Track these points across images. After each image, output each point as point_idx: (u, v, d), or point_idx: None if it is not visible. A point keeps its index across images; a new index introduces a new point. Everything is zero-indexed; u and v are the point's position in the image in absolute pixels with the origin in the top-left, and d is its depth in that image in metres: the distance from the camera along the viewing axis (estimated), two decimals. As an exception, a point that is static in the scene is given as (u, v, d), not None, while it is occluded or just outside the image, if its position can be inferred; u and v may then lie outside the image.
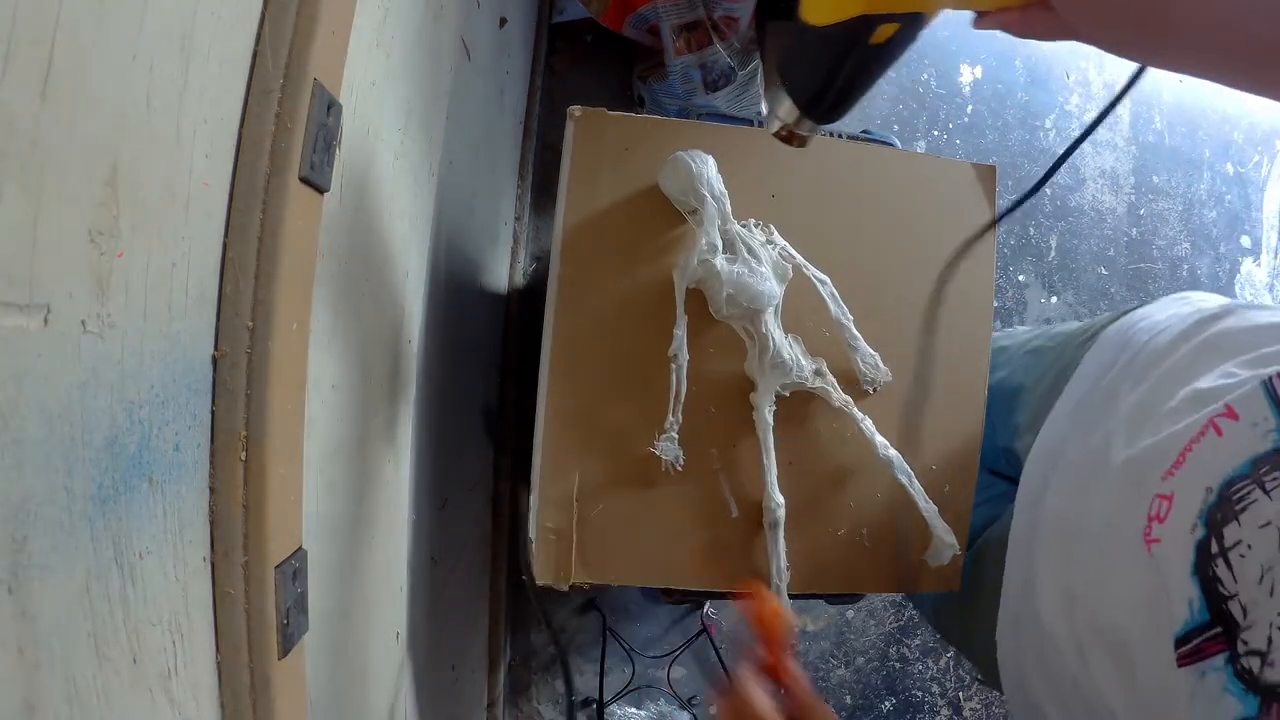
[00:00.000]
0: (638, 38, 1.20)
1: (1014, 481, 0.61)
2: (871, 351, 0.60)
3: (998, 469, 0.73)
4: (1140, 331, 0.56)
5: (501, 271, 1.15)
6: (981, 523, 0.71)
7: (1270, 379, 0.36)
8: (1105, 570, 0.44)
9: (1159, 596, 0.38)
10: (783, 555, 0.57)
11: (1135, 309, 0.62)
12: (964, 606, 0.69)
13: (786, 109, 0.45)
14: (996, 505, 0.72)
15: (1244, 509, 0.34)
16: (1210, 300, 0.55)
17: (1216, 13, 0.33)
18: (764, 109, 1.25)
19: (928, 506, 0.59)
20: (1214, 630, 0.34)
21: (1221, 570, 0.34)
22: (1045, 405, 0.62)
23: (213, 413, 0.36)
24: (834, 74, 0.41)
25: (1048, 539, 0.51)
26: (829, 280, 0.60)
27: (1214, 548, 0.35)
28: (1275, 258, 1.72)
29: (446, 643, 0.87)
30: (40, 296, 0.24)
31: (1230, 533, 0.35)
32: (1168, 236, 1.65)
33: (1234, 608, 0.33)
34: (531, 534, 0.56)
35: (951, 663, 1.44)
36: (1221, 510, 0.35)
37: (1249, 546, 0.33)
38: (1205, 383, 0.43)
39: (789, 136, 0.46)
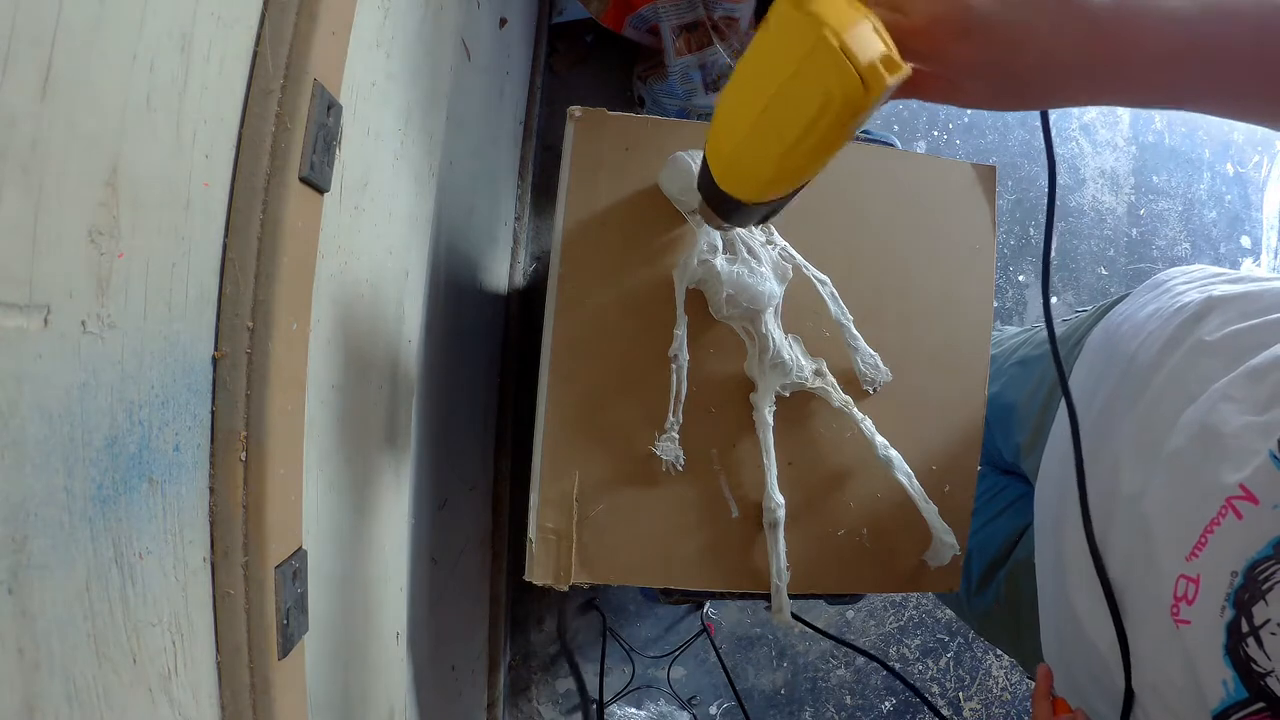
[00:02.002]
0: (638, 38, 1.20)
1: (1032, 484, 0.60)
2: (871, 351, 0.60)
3: (1014, 470, 0.73)
4: (1124, 337, 0.55)
5: (501, 271, 1.15)
6: (1008, 533, 0.71)
7: (1277, 450, 0.37)
8: (1136, 626, 0.44)
9: (1191, 673, 0.39)
10: (783, 555, 0.57)
11: (1116, 304, 0.61)
12: (1008, 621, 0.70)
13: (714, 219, 0.46)
14: (1020, 513, 0.72)
15: (1270, 588, 0.35)
16: (1189, 283, 0.55)
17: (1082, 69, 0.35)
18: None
19: (928, 507, 0.59)
20: (1257, 705, 0.35)
21: (1254, 649, 0.35)
22: (1043, 423, 0.62)
23: (213, 413, 0.36)
24: (763, 214, 0.44)
25: (1076, 571, 0.51)
26: (829, 280, 0.60)
27: (1244, 627, 0.36)
28: (1275, 258, 1.72)
29: (446, 643, 0.87)
30: (40, 296, 0.24)
31: (1259, 611, 0.35)
32: (1168, 236, 1.65)
33: (1273, 683, 0.34)
34: (531, 534, 0.56)
35: (951, 663, 1.44)
36: (1249, 591, 0.36)
37: (1279, 625, 0.34)
38: (1202, 411, 0.43)
39: (722, 228, 0.49)
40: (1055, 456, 0.58)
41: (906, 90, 0.39)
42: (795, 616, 0.60)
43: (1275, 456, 0.37)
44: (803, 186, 0.41)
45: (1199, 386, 0.45)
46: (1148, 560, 0.43)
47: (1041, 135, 0.48)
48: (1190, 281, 0.55)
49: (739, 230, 0.58)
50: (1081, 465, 0.49)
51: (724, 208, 0.44)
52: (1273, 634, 0.35)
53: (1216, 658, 0.37)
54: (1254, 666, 0.35)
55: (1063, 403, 0.59)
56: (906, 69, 0.33)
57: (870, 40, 0.32)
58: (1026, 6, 0.34)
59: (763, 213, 0.44)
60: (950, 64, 0.36)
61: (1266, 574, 0.35)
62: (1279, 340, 0.42)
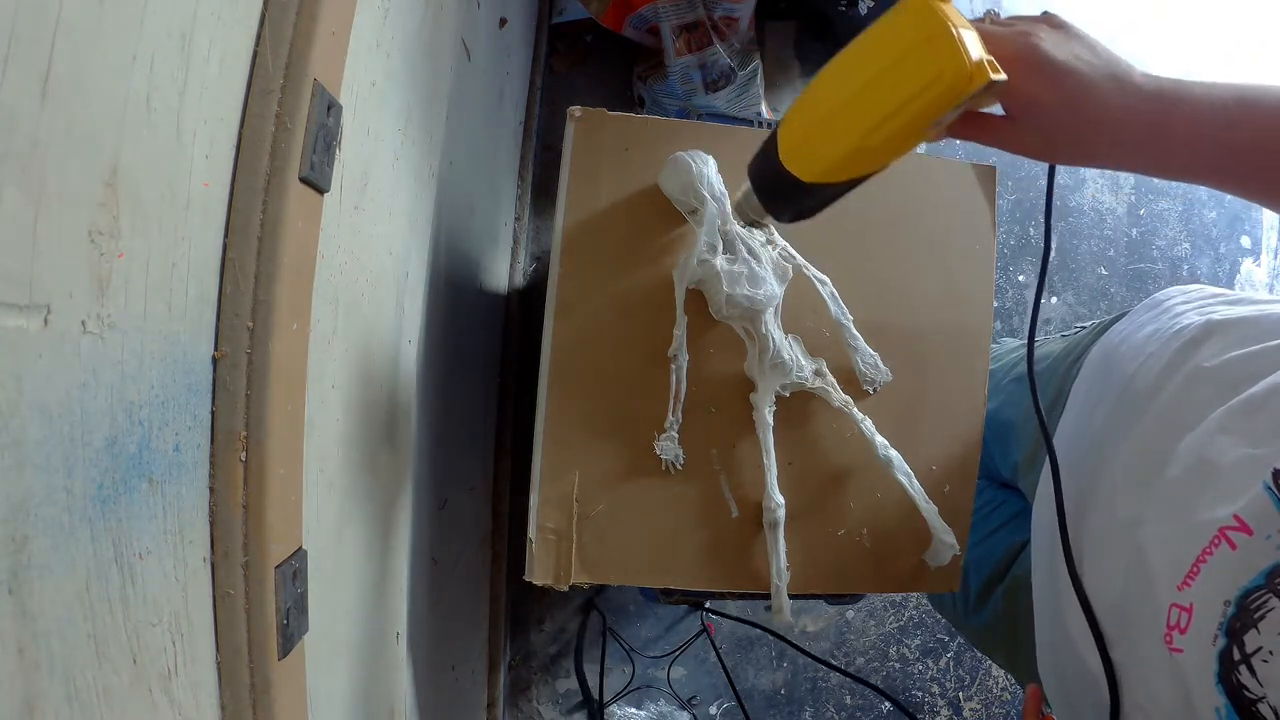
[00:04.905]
0: (638, 38, 1.20)
1: (1029, 501, 0.60)
2: (871, 351, 0.60)
3: (1012, 485, 0.72)
4: (1123, 358, 0.55)
5: (501, 271, 1.15)
6: (1006, 548, 0.71)
7: (1271, 483, 0.37)
8: (1128, 651, 0.45)
9: (1182, 699, 0.39)
10: (782, 555, 0.57)
11: (1115, 321, 0.61)
12: (1005, 637, 0.70)
13: (755, 209, 0.48)
14: (1019, 528, 0.72)
15: (1262, 617, 0.35)
16: (1188, 304, 0.55)
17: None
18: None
19: (928, 506, 0.59)
20: None
21: (1245, 677, 0.36)
22: (1040, 442, 0.62)
23: (213, 413, 0.36)
24: (810, 205, 0.46)
25: (1069, 591, 0.51)
26: (829, 280, 0.60)
27: (1236, 655, 0.36)
28: (1275, 258, 1.72)
29: (446, 643, 0.87)
30: (40, 296, 0.24)
31: (1251, 639, 0.36)
32: (1168, 236, 1.65)
33: (1264, 709, 0.35)
34: (531, 534, 0.56)
35: (951, 663, 1.44)
36: (1240, 619, 0.36)
37: (1271, 653, 0.35)
38: (1200, 442, 0.43)
39: (753, 223, 0.51)
40: (1050, 488, 0.58)
41: (970, 130, 0.43)
42: (776, 635, 0.60)
43: (1269, 488, 0.37)
44: (856, 184, 0.43)
45: (1196, 415, 0.45)
46: (1141, 587, 0.43)
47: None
48: (1189, 302, 0.55)
49: (739, 230, 0.58)
50: (1062, 504, 0.50)
51: (773, 189, 0.45)
52: (1265, 661, 0.35)
53: (1209, 685, 0.37)
54: (1246, 693, 0.35)
55: (1061, 421, 0.59)
56: (1003, 75, 0.38)
57: (979, 44, 0.38)
58: (1089, 65, 0.39)
59: (809, 204, 0.45)
60: (1019, 98, 0.40)
61: (1259, 603, 0.36)
62: (1277, 368, 0.42)
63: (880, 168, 0.42)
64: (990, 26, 0.41)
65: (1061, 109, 0.40)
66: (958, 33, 0.36)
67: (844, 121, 0.40)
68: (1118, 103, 0.39)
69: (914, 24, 0.38)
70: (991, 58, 0.38)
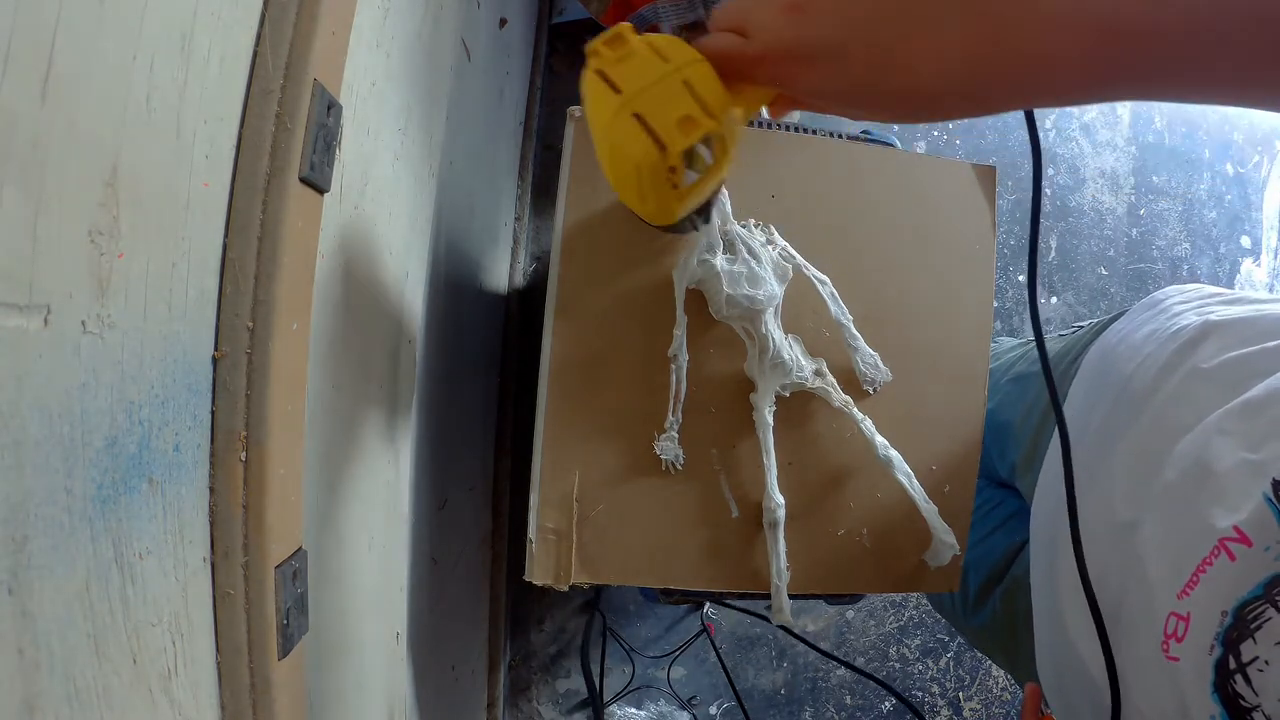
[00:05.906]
0: (638, 38, 1.20)
1: (1028, 502, 0.60)
2: (871, 351, 0.60)
3: (1011, 483, 0.72)
4: (1120, 359, 0.55)
5: (501, 271, 1.15)
6: (1005, 548, 0.71)
7: (1271, 494, 0.37)
8: (1126, 654, 0.45)
9: (1179, 705, 0.39)
10: (782, 555, 0.57)
11: (1113, 321, 0.61)
12: (1004, 637, 0.70)
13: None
14: (1018, 528, 0.72)
15: (1259, 627, 0.36)
16: (1185, 304, 0.54)
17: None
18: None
19: (928, 506, 0.59)
20: None
21: (1241, 686, 0.36)
22: (1038, 442, 0.61)
23: (213, 413, 0.36)
24: (681, 226, 0.44)
25: (1069, 593, 0.51)
26: (829, 280, 0.60)
27: (1232, 664, 0.36)
28: (1275, 258, 1.72)
29: (446, 643, 0.87)
30: (40, 297, 0.24)
31: (1247, 649, 0.36)
32: (1168, 236, 1.65)
33: (1258, 718, 0.35)
34: (531, 534, 0.56)
35: (951, 663, 1.44)
36: (1237, 629, 0.37)
37: (1266, 662, 0.35)
38: (1197, 445, 0.43)
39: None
40: (1051, 477, 0.58)
41: (785, 105, 0.37)
42: (784, 628, 0.60)
43: (1270, 500, 0.37)
44: (711, 198, 0.40)
45: (1194, 416, 0.45)
46: (1140, 593, 0.44)
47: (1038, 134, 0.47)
48: (1187, 302, 0.55)
49: (739, 230, 0.58)
50: (1074, 499, 0.49)
51: (642, 221, 0.43)
52: (1260, 670, 0.35)
53: (1204, 694, 0.37)
54: (1241, 702, 0.36)
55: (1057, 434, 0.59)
56: (708, 125, 0.32)
57: (671, 101, 0.32)
58: (893, 21, 0.28)
59: (679, 227, 0.44)
60: (801, 90, 0.32)
61: (1255, 613, 0.36)
62: (1276, 369, 0.42)
63: (701, 198, 0.38)
64: (716, 34, 0.33)
65: (864, 88, 0.30)
66: (634, 107, 0.31)
67: (622, 194, 0.37)
68: (928, 42, 0.27)
69: (597, 107, 0.33)
70: (696, 106, 0.31)
